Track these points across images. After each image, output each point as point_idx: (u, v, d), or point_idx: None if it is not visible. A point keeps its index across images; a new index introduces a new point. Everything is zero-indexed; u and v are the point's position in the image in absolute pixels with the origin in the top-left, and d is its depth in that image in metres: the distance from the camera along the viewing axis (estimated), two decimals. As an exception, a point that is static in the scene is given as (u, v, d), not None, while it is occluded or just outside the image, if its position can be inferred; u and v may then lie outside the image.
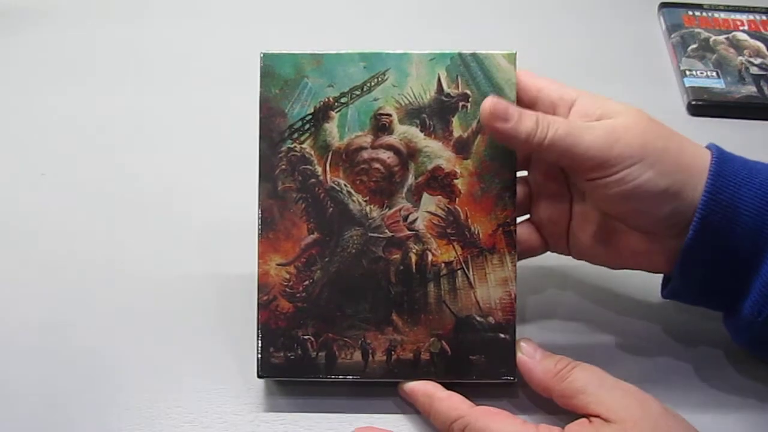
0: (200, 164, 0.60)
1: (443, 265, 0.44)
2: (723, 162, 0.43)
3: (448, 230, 0.44)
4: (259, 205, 0.44)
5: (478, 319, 0.44)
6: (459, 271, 0.44)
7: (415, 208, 0.44)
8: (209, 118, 0.63)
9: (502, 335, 0.44)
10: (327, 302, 0.44)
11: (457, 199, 0.44)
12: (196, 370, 0.47)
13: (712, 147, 0.44)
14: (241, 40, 0.70)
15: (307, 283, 0.44)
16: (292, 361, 0.44)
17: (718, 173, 0.42)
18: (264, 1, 0.75)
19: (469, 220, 0.44)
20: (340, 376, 0.44)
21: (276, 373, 0.44)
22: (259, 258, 0.44)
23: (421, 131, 0.44)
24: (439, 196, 0.44)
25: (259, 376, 0.44)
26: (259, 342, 0.44)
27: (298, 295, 0.44)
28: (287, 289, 0.44)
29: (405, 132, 0.44)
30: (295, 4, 0.75)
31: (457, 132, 0.44)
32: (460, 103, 0.44)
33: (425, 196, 0.44)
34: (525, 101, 0.45)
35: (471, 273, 0.44)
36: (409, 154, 0.44)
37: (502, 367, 0.44)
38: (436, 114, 0.44)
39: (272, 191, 0.44)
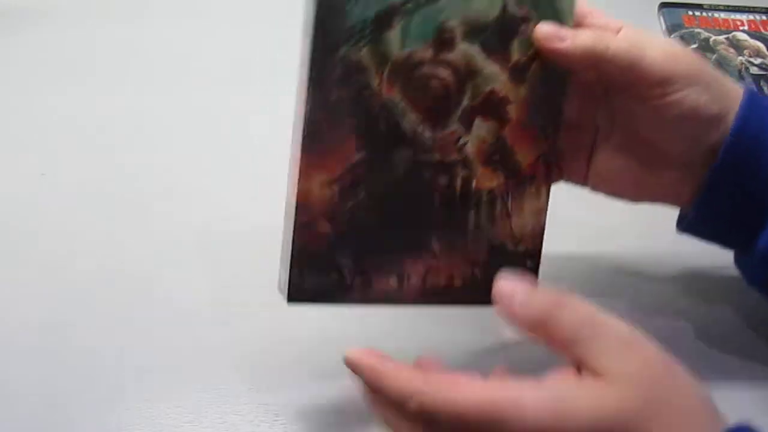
0: (201, 164, 0.60)
1: (485, 192, 0.43)
2: (754, 94, 0.44)
3: (494, 157, 0.43)
4: (306, 115, 0.40)
5: (510, 247, 0.43)
6: (499, 199, 0.43)
7: (467, 132, 0.42)
8: (210, 118, 0.63)
9: (528, 263, 0.44)
10: (368, 225, 0.41)
11: (506, 126, 0.43)
12: (196, 370, 0.47)
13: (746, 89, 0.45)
14: (242, 40, 0.70)
15: (350, 204, 0.41)
16: (326, 286, 0.41)
17: (751, 102, 0.43)
18: (265, 1, 0.75)
19: (515, 148, 0.43)
20: (374, 302, 0.42)
21: (308, 298, 0.42)
22: (300, 175, 0.40)
23: (482, 51, 0.42)
24: (491, 122, 0.43)
25: (289, 301, 0.41)
26: (293, 265, 0.41)
27: (339, 217, 0.41)
28: (329, 210, 0.41)
29: (466, 50, 0.42)
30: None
31: (515, 56, 0.43)
32: (522, 26, 0.42)
33: (477, 120, 0.42)
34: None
35: (510, 202, 0.43)
36: (467, 75, 0.42)
37: None
38: (498, 35, 0.42)
39: (323, 101, 0.40)
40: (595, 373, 0.34)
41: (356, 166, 0.41)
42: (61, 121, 0.63)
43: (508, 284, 0.37)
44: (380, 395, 0.37)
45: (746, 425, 0.35)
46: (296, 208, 0.40)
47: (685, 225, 0.46)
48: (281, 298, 0.42)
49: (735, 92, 0.44)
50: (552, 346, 0.36)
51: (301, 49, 0.40)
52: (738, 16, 0.74)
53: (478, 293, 0.42)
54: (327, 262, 0.41)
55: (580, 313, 0.36)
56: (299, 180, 0.40)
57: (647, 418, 0.34)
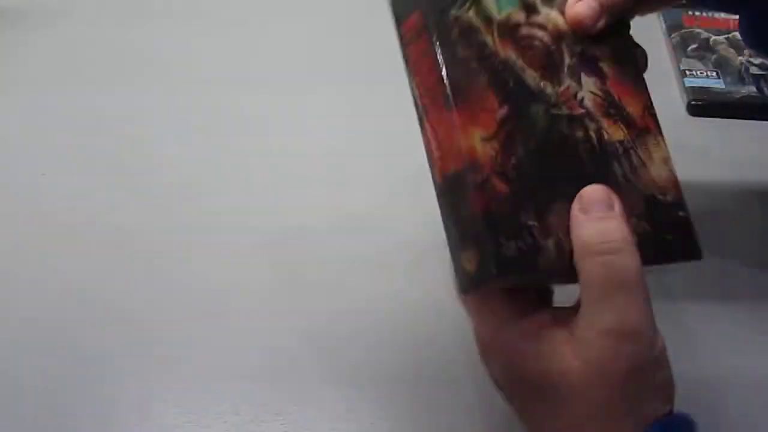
0: (206, 164, 0.59)
1: (617, 143, 0.42)
2: None
3: (611, 110, 0.42)
4: (446, 74, 0.39)
5: (659, 197, 0.42)
6: (631, 150, 0.42)
7: (580, 88, 0.42)
8: (215, 119, 0.63)
9: (681, 213, 0.42)
10: (533, 182, 0.39)
11: (607, 81, 0.43)
12: (196, 369, 0.47)
13: None
14: (247, 40, 0.70)
15: (514, 161, 0.39)
16: (525, 252, 0.37)
17: None
18: (268, 1, 0.75)
19: (623, 101, 0.43)
20: (569, 266, 0.38)
21: (514, 269, 0.37)
22: (459, 132, 0.38)
23: (560, 15, 0.43)
24: (594, 77, 0.43)
25: (497, 275, 0.36)
26: (488, 234, 0.36)
27: (509, 174, 0.38)
28: (498, 167, 0.38)
29: (548, 14, 0.43)
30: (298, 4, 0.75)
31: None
32: None
33: (583, 76, 0.43)
34: None
35: (641, 152, 0.42)
36: (558, 35, 0.43)
37: (691, 246, 0.41)
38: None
39: (454, 60, 0.39)
40: (574, 334, 0.36)
41: (506, 121, 0.39)
42: (61, 121, 0.63)
43: (606, 195, 0.38)
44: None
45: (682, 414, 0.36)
46: (469, 167, 0.37)
47: None
48: (466, 286, 0.38)
49: None
50: (578, 268, 0.37)
51: (408, 24, 0.41)
52: (738, 16, 0.73)
53: (655, 249, 0.40)
54: (518, 224, 0.37)
55: (620, 267, 0.36)
56: (461, 139, 0.38)
57: (578, 402, 0.36)
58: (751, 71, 0.68)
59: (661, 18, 0.74)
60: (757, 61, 0.69)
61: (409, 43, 0.41)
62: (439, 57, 0.39)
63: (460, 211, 0.38)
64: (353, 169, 0.59)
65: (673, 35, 0.71)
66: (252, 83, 0.66)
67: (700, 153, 0.60)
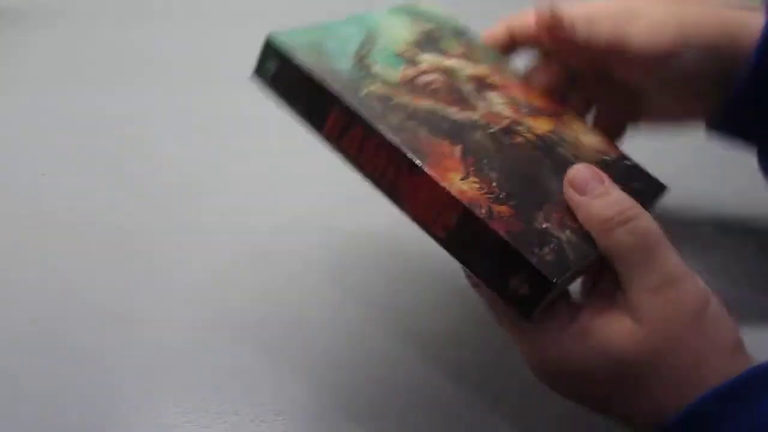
0: (203, 165, 0.60)
1: (550, 133, 0.45)
2: None
3: (525, 110, 0.46)
4: (397, 142, 0.39)
5: (606, 158, 0.46)
6: (562, 133, 0.46)
7: (490, 104, 0.45)
8: (213, 118, 0.63)
9: (629, 162, 0.47)
10: (522, 193, 0.40)
11: (503, 89, 0.47)
12: (196, 370, 0.47)
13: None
14: (245, 41, 0.70)
15: (495, 184, 0.40)
16: (558, 252, 0.38)
17: None
18: (268, 1, 0.75)
19: (528, 99, 0.47)
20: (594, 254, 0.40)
21: (562, 269, 0.37)
22: (442, 183, 0.38)
23: (438, 54, 0.47)
24: (494, 92, 0.46)
25: (555, 282, 0.36)
26: (526, 255, 0.37)
27: (500, 197, 0.39)
28: (489, 195, 0.39)
29: (427, 59, 0.46)
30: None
31: (458, 50, 0.49)
32: (436, 35, 0.49)
33: (486, 94, 0.46)
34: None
35: (568, 130, 0.46)
36: (445, 72, 0.46)
37: (655, 185, 0.46)
38: (431, 43, 0.48)
39: (392, 127, 0.40)
40: (628, 306, 0.37)
41: (465, 156, 0.41)
42: (61, 121, 0.63)
43: (594, 172, 0.39)
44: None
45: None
46: (469, 207, 0.38)
47: (715, 121, 0.47)
48: (528, 309, 0.37)
49: (742, 18, 0.45)
50: (601, 251, 0.38)
51: (330, 124, 0.40)
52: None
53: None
54: (537, 232, 0.38)
55: (639, 233, 0.37)
56: (448, 188, 0.38)
57: (663, 360, 0.36)
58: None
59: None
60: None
61: (340, 137, 0.40)
62: (383, 133, 0.39)
63: (484, 247, 0.37)
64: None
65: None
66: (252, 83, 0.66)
67: (700, 153, 0.60)
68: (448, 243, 0.38)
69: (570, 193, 0.39)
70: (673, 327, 0.36)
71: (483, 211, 0.38)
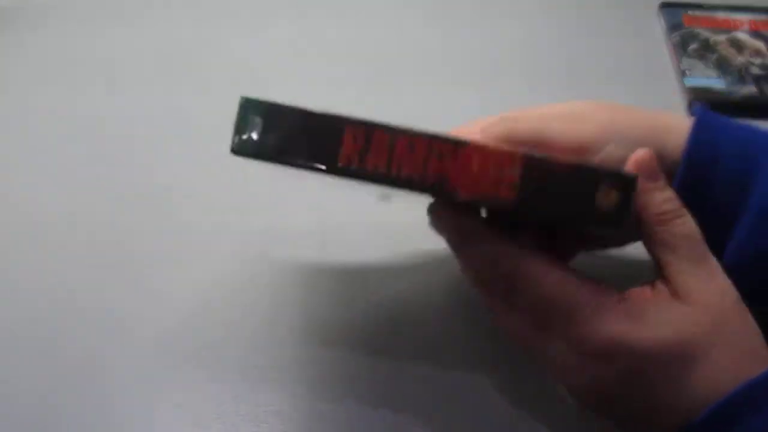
0: (204, 165, 0.59)
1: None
2: (704, 113, 0.44)
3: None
4: (429, 130, 0.38)
5: None
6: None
7: None
8: (214, 118, 0.63)
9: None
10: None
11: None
12: (196, 370, 0.47)
13: (695, 106, 0.46)
14: (245, 40, 0.70)
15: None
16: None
17: (702, 122, 0.43)
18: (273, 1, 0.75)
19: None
20: None
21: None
22: (491, 147, 0.38)
23: None
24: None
25: (633, 179, 0.37)
26: (596, 167, 0.38)
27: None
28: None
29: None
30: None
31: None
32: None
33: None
34: None
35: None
36: None
37: None
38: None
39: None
40: (676, 292, 0.38)
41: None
42: (59, 122, 0.63)
43: (656, 163, 0.40)
44: (476, 251, 0.40)
45: None
46: (526, 155, 0.37)
47: None
48: (620, 216, 0.37)
49: (673, 121, 0.44)
50: (649, 243, 0.39)
51: (347, 145, 0.38)
52: (738, 15, 0.73)
53: None
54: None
55: (688, 226, 0.39)
56: (496, 147, 0.38)
57: (713, 344, 0.37)
58: (751, 71, 0.68)
59: (662, 18, 0.74)
60: (758, 61, 0.69)
61: (364, 154, 0.37)
62: (413, 128, 0.37)
63: (558, 185, 0.37)
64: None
65: (673, 35, 0.71)
66: (253, 83, 0.66)
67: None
68: (521, 201, 0.37)
69: (642, 176, 0.39)
70: (724, 311, 0.38)
71: (538, 153, 0.37)
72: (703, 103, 0.46)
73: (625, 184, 0.37)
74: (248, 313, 0.50)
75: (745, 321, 0.38)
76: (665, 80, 0.68)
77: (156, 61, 0.68)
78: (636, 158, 0.40)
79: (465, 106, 0.63)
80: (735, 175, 0.43)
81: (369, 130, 0.37)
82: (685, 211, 0.39)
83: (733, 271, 0.44)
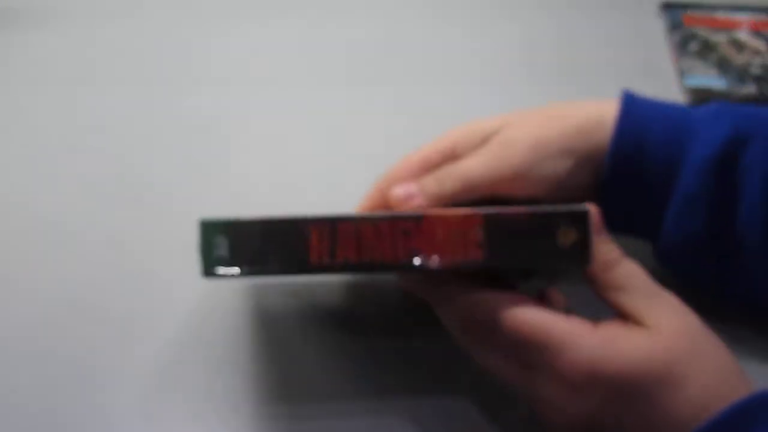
0: (204, 165, 0.60)
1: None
2: (631, 102, 0.46)
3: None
4: (389, 212, 0.42)
5: None
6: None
7: None
8: (215, 118, 0.63)
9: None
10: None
11: None
12: (196, 369, 0.47)
13: (623, 94, 0.47)
14: (246, 40, 0.70)
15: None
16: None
17: (627, 113, 0.45)
18: (269, 1, 0.75)
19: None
20: None
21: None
22: (450, 212, 0.39)
23: None
24: None
25: (585, 213, 0.39)
26: (551, 210, 0.39)
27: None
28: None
29: None
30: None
31: None
32: None
33: None
34: None
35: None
36: None
37: None
38: None
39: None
40: (643, 325, 0.38)
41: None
42: (59, 122, 0.63)
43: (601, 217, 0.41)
44: (449, 308, 0.41)
45: None
46: (485, 213, 0.39)
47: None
48: (578, 255, 0.39)
49: (601, 114, 0.46)
50: (602, 292, 0.40)
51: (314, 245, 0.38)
52: (739, 15, 0.73)
53: None
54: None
55: (632, 267, 0.40)
56: (454, 212, 0.39)
57: (689, 366, 0.37)
58: (751, 71, 0.68)
59: (662, 18, 0.74)
60: (758, 61, 0.69)
61: (333, 249, 0.38)
62: (375, 214, 0.40)
63: (519, 234, 0.39)
64: (356, 170, 0.59)
65: (673, 35, 0.71)
66: (253, 83, 0.66)
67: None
68: (490, 257, 0.38)
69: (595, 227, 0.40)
70: (691, 335, 0.38)
71: (495, 208, 0.39)
72: (627, 91, 0.48)
73: (579, 219, 0.38)
74: (248, 313, 0.50)
75: (713, 341, 0.39)
76: (665, 80, 0.68)
77: (157, 60, 0.68)
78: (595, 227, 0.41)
79: (466, 106, 0.63)
80: (662, 163, 0.45)
81: (333, 225, 0.38)
82: (625, 256, 0.40)
83: (666, 257, 0.46)
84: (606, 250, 0.40)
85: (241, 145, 0.61)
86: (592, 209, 0.40)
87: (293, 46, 0.70)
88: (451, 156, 0.47)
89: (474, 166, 0.45)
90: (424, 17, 0.74)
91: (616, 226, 0.44)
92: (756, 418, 0.36)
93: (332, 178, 0.59)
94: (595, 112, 0.46)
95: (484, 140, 0.46)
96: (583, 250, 0.39)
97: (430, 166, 0.47)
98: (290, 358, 0.48)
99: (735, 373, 0.38)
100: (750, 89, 0.66)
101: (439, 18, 0.74)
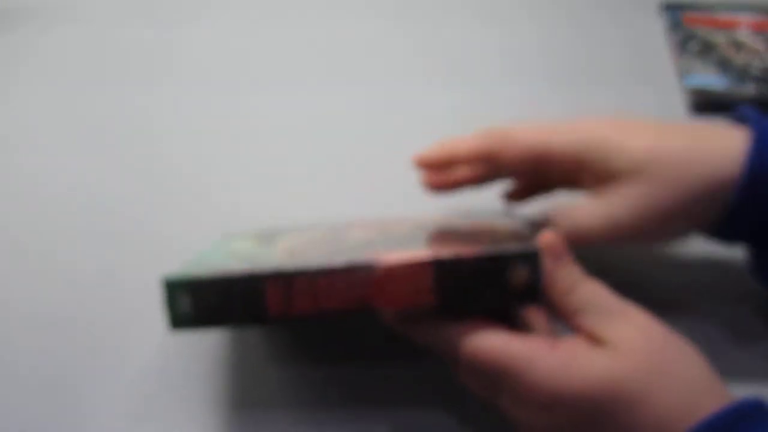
0: (208, 165, 0.60)
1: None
2: (763, 129, 0.44)
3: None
4: (341, 262, 0.40)
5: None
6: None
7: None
8: (219, 118, 0.63)
9: None
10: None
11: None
12: (196, 370, 0.47)
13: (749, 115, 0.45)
14: (246, 41, 0.70)
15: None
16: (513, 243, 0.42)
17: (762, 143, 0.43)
18: (272, 1, 0.75)
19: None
20: None
21: (529, 242, 0.41)
22: (400, 261, 0.40)
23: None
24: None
25: (536, 252, 0.40)
26: (502, 251, 0.39)
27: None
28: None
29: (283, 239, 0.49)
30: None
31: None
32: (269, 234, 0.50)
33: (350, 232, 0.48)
34: None
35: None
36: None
37: None
38: (268, 239, 0.49)
39: (323, 258, 0.42)
40: (603, 343, 0.38)
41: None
42: (64, 122, 0.63)
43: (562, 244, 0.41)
44: (418, 339, 0.42)
45: (756, 400, 0.37)
46: (434, 259, 0.39)
47: (717, 233, 0.46)
48: (532, 294, 0.40)
49: (715, 141, 0.44)
50: (563, 316, 0.40)
51: (273, 300, 0.40)
52: (739, 15, 0.73)
53: None
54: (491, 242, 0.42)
55: (590, 288, 0.40)
56: (402, 260, 0.40)
57: (651, 382, 0.37)
58: (751, 71, 0.68)
59: (662, 18, 0.74)
60: (758, 61, 0.69)
61: (290, 303, 0.39)
62: (327, 265, 0.39)
63: (470, 277, 0.39)
64: (356, 170, 0.59)
65: (673, 35, 0.71)
66: (255, 84, 0.66)
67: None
68: (442, 301, 0.39)
69: (549, 260, 0.40)
70: (653, 352, 0.38)
71: (444, 252, 0.39)
72: (747, 106, 0.46)
73: (530, 259, 0.39)
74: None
75: (681, 356, 0.39)
76: (665, 80, 0.68)
77: (157, 60, 0.68)
78: (543, 243, 0.40)
79: (466, 106, 0.63)
80: None
81: (287, 280, 0.39)
82: (586, 276, 0.40)
83: None
84: (564, 275, 0.40)
85: (240, 145, 0.61)
86: (551, 238, 0.40)
87: (309, 45, 0.70)
88: (487, 159, 0.47)
89: (593, 225, 0.45)
90: (430, 18, 0.74)
91: (743, 228, 0.44)
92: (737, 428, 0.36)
93: (335, 179, 0.59)
94: (708, 138, 0.45)
95: (529, 152, 0.46)
96: (534, 289, 0.39)
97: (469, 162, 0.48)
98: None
99: (705, 388, 0.38)
100: (750, 89, 0.66)
101: (444, 19, 0.74)
